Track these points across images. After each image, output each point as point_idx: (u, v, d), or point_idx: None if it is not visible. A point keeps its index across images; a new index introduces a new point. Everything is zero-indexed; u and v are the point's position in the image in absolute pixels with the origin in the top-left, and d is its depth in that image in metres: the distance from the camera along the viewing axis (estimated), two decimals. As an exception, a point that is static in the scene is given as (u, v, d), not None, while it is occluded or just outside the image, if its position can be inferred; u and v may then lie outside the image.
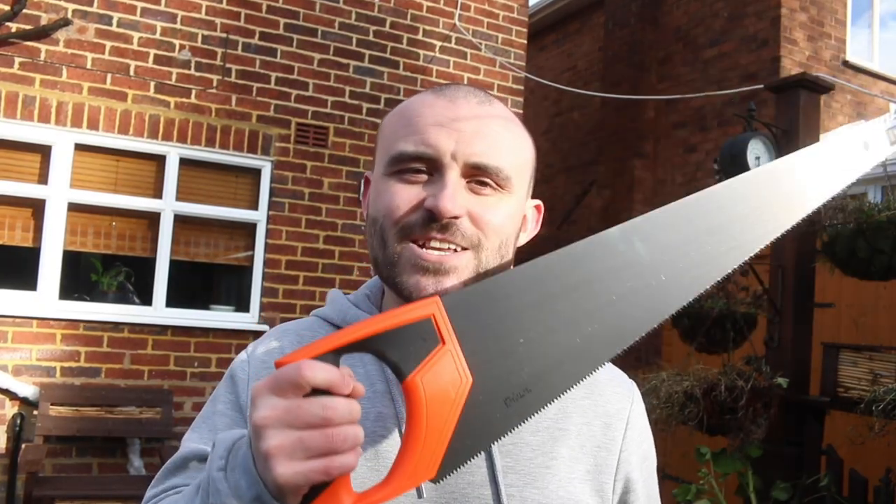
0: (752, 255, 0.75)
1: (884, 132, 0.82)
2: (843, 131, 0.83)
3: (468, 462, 0.68)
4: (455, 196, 0.77)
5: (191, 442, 0.86)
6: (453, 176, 0.78)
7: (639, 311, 0.72)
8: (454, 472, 0.66)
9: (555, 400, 0.70)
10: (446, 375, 0.66)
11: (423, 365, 0.65)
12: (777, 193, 0.77)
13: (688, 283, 0.73)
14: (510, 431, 0.69)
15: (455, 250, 0.78)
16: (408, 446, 0.65)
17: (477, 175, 0.80)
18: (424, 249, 0.78)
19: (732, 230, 0.75)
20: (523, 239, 0.90)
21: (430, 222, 0.77)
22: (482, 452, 0.82)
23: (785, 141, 3.71)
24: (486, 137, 0.80)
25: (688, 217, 0.74)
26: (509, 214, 0.82)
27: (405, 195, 0.79)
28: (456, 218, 0.78)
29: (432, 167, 0.80)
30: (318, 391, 0.61)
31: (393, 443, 0.81)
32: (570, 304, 0.70)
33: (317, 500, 0.62)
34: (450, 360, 0.66)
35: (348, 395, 0.62)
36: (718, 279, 0.75)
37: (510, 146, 0.83)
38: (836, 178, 0.80)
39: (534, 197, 0.92)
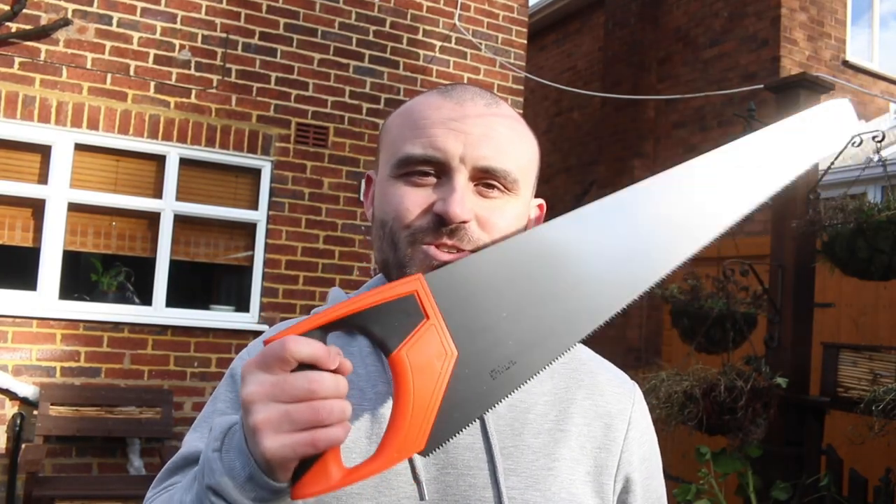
0: (728, 226, 0.77)
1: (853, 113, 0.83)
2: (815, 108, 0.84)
3: (456, 435, 0.69)
4: (464, 200, 0.78)
5: (192, 442, 0.87)
6: (461, 180, 0.79)
7: (619, 285, 0.73)
8: (443, 445, 0.68)
9: (540, 371, 0.72)
10: (431, 349, 0.67)
11: (407, 340, 0.66)
12: (756, 164, 0.78)
13: (667, 255, 0.75)
14: (497, 403, 0.70)
15: (463, 251, 0.79)
16: (396, 420, 0.66)
17: (485, 178, 0.81)
18: (437, 250, 0.79)
19: (709, 203, 0.76)
20: None
21: (440, 227, 0.78)
22: (482, 444, 0.82)
23: (785, 141, 3.71)
24: (493, 140, 0.81)
25: (668, 189, 0.76)
26: (515, 216, 0.83)
27: (414, 198, 0.80)
28: (465, 223, 0.78)
29: (440, 170, 0.80)
30: (305, 367, 0.62)
31: None
32: (551, 278, 0.72)
33: (307, 474, 0.63)
34: (434, 335, 0.67)
35: (336, 372, 0.63)
36: (696, 251, 0.76)
37: (517, 148, 0.84)
38: (818, 147, 0.81)
39: (535, 196, 0.92)
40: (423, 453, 0.67)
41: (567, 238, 0.73)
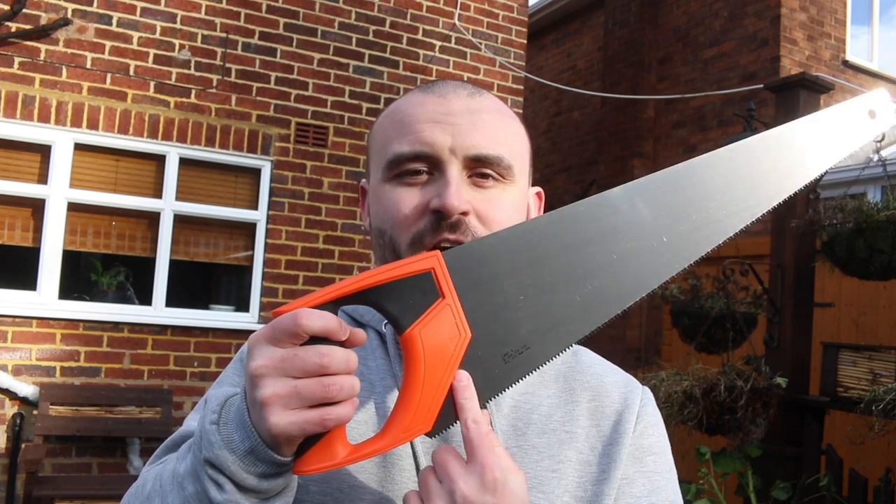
0: (752, 220, 0.75)
1: (891, 103, 0.81)
2: (849, 100, 0.83)
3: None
4: (460, 192, 0.76)
5: (190, 421, 0.85)
6: (454, 171, 0.77)
7: (639, 272, 0.72)
8: (450, 426, 0.66)
9: (554, 357, 0.70)
10: (445, 330, 0.65)
11: (422, 318, 0.65)
12: (779, 159, 0.76)
13: (688, 245, 0.73)
14: (508, 387, 0.69)
15: None
16: (404, 399, 0.65)
17: (478, 167, 0.79)
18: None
19: (733, 195, 0.74)
20: None
21: (440, 223, 0.76)
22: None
23: (785, 141, 3.71)
24: (482, 128, 0.79)
25: (690, 180, 0.74)
26: (513, 205, 0.81)
27: (409, 200, 0.78)
28: (464, 214, 0.76)
29: (432, 165, 0.78)
30: (315, 340, 0.60)
31: None
32: (570, 262, 0.70)
33: (311, 451, 0.62)
34: (449, 315, 0.66)
35: (346, 345, 0.62)
36: (719, 243, 0.74)
37: (507, 135, 0.82)
38: (839, 145, 0.79)
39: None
40: (430, 434, 0.66)
41: (590, 221, 0.72)
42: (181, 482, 0.67)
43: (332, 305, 0.63)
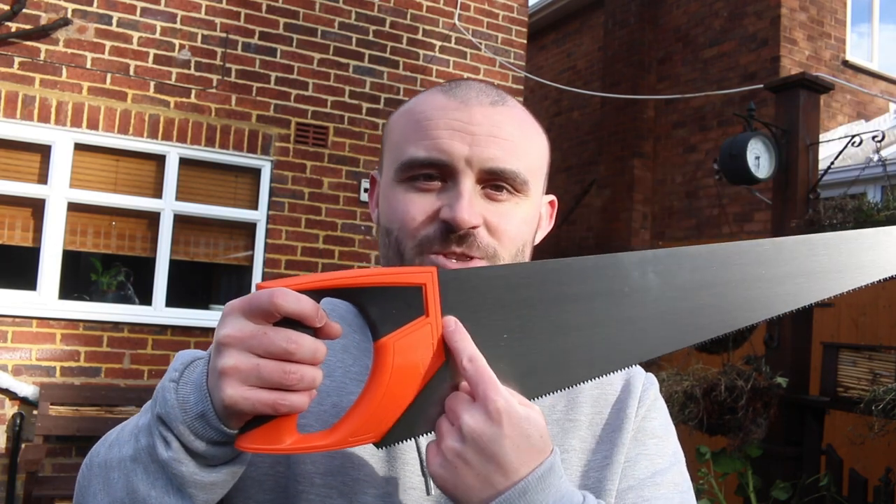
0: (759, 321, 0.72)
1: None
2: (890, 227, 0.80)
3: (416, 438, 0.67)
4: (471, 205, 0.74)
5: None
6: (468, 184, 0.75)
7: (629, 342, 0.68)
8: (399, 443, 0.65)
9: None
10: (419, 348, 0.64)
11: (400, 330, 0.63)
12: (804, 267, 0.73)
13: (689, 326, 0.70)
14: None
15: (472, 259, 0.76)
16: (362, 404, 0.63)
17: (493, 180, 0.77)
18: (445, 259, 0.75)
19: (750, 290, 0.71)
20: (539, 236, 0.87)
21: (448, 234, 0.74)
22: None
23: (785, 141, 3.72)
24: (501, 141, 0.77)
25: (709, 263, 0.70)
26: (524, 220, 0.79)
27: (419, 205, 0.76)
28: (473, 228, 0.75)
29: (446, 174, 0.76)
30: (291, 323, 0.60)
31: None
32: (564, 314, 0.67)
33: (258, 430, 0.61)
34: (427, 334, 0.64)
35: (320, 331, 0.61)
36: (719, 334, 0.71)
37: (526, 148, 0.79)
38: (871, 269, 0.74)
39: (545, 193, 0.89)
40: (378, 445, 0.64)
41: (597, 278, 0.68)
42: (137, 434, 0.68)
43: (317, 294, 0.61)
